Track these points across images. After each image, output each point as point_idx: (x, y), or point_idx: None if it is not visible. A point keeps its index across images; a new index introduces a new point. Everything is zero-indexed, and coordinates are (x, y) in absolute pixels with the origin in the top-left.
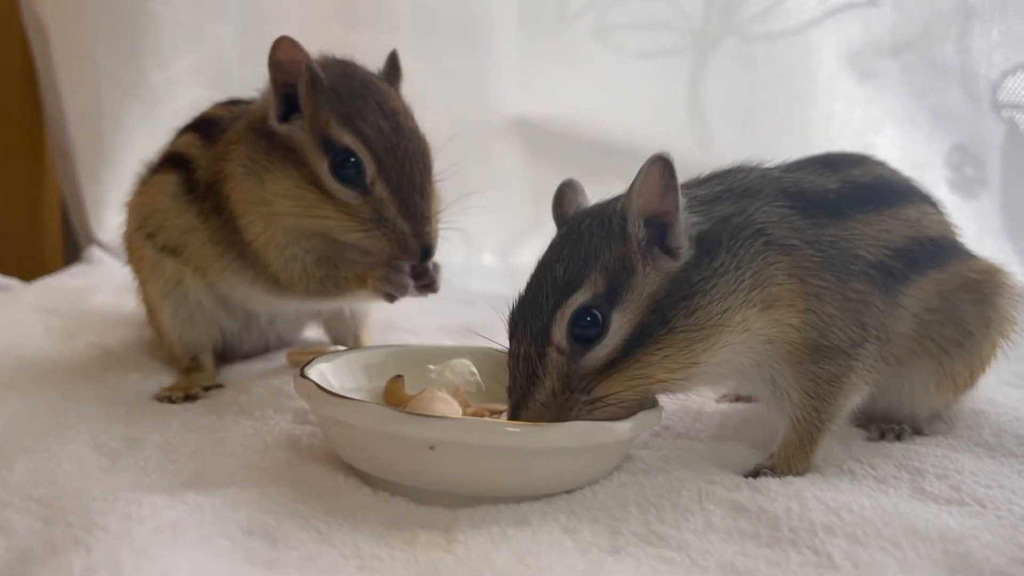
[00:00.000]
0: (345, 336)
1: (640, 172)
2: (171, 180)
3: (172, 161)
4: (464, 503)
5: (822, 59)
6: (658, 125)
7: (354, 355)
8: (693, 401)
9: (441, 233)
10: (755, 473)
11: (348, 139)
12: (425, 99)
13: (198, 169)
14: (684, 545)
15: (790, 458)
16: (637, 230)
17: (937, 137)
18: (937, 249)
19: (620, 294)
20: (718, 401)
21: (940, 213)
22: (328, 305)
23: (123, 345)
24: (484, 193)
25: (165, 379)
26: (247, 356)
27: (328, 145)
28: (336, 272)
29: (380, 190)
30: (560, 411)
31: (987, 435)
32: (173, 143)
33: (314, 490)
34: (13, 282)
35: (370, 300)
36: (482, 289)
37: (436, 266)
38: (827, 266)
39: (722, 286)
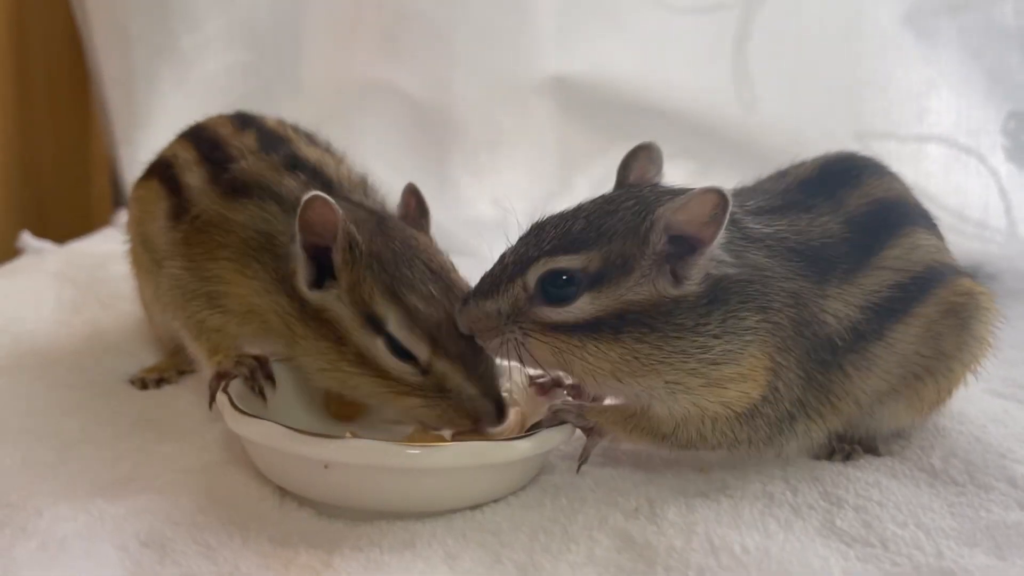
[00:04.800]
0: None
1: (693, 193)
2: (163, 205)
3: (166, 176)
4: (366, 517)
5: (877, 16)
6: (700, 84)
7: None
8: None
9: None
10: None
11: (394, 320)
12: (462, 56)
13: (190, 204)
14: None
15: (605, 424)
16: (657, 243)
17: (994, 103)
18: (923, 283)
19: (603, 283)
20: None
21: (932, 235)
22: None
23: (117, 324)
24: (517, 153)
25: (147, 361)
26: None
27: (374, 322)
28: (205, 344)
29: (440, 366)
30: (493, 327)
31: (935, 459)
32: (169, 148)
33: (224, 499)
34: (47, 245)
35: None
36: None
37: None
38: (798, 343)
39: (686, 343)
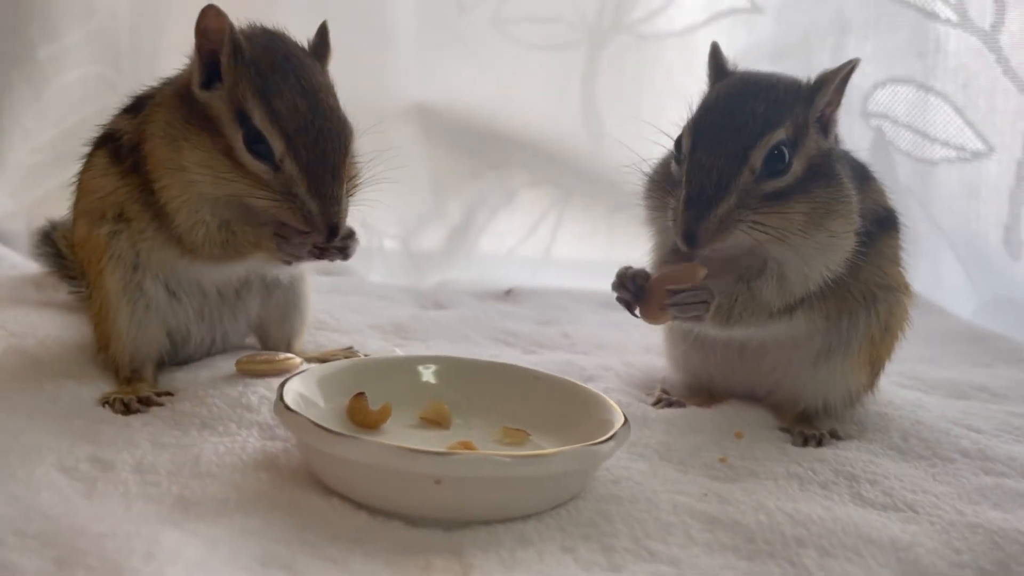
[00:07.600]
0: (279, 343)
1: (844, 66)
2: (100, 157)
3: (101, 141)
4: (458, 525)
5: (705, 59)
6: (553, 116)
7: (314, 372)
8: (636, 407)
9: (351, 212)
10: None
11: (259, 115)
12: None
13: (124, 136)
14: (674, 560)
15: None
16: (822, 105)
17: None
18: (893, 217)
19: (798, 146)
20: (656, 407)
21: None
22: (236, 269)
23: (47, 351)
24: (383, 179)
25: (103, 384)
26: (190, 357)
27: (243, 119)
28: (234, 238)
29: (290, 167)
30: (727, 226)
31: (896, 439)
32: (106, 126)
33: (313, 516)
34: None
35: (271, 264)
36: (385, 280)
37: (352, 234)
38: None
39: (845, 189)
